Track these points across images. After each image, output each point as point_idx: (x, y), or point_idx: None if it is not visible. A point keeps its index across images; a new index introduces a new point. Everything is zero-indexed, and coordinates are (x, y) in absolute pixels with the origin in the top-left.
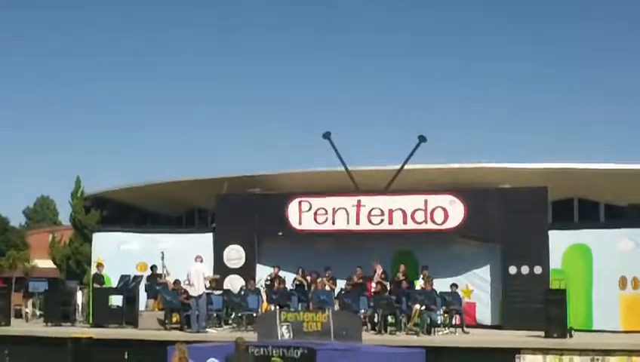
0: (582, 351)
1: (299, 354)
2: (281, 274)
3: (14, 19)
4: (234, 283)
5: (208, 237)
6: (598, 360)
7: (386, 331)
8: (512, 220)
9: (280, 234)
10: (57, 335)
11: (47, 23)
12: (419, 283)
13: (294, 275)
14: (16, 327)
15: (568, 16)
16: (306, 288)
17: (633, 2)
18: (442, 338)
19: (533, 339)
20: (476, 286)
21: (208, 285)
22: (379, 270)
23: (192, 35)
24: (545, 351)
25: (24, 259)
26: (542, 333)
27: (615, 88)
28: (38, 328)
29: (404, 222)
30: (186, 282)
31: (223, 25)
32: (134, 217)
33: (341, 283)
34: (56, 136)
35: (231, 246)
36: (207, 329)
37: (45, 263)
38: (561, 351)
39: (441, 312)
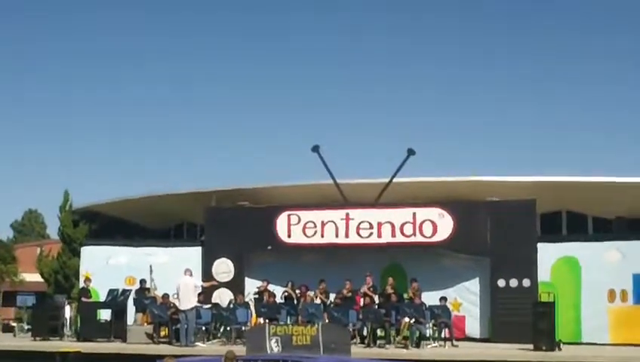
0: None
1: None
2: (270, 287)
3: (8, 28)
4: (223, 296)
5: (197, 251)
6: None
7: (375, 344)
8: (501, 233)
9: (269, 247)
10: (45, 349)
11: (40, 30)
12: (407, 296)
13: (283, 288)
14: (4, 342)
15: (562, 30)
16: (295, 301)
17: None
18: (431, 351)
19: (521, 352)
20: (465, 299)
21: (197, 299)
22: (368, 282)
23: (186, 45)
24: None
25: (12, 273)
26: (531, 346)
27: (605, 102)
28: (26, 342)
29: (393, 235)
30: (175, 296)
31: (214, 37)
32: (123, 231)
33: (331, 297)
34: (45, 150)
35: (220, 260)
36: (196, 343)
37: (33, 277)
38: None
39: (430, 325)
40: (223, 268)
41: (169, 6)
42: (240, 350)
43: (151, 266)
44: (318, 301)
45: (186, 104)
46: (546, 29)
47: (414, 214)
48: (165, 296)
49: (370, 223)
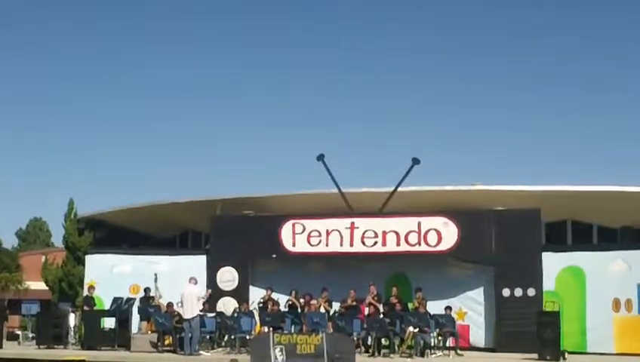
0: None
1: None
2: (275, 296)
3: (13, 37)
4: (227, 305)
5: (202, 259)
6: None
7: (379, 353)
8: (506, 242)
9: (273, 256)
10: (50, 357)
11: (41, 42)
12: (412, 305)
13: (287, 297)
14: (9, 350)
15: (565, 42)
16: (299, 310)
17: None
18: (436, 360)
19: None
20: (470, 308)
21: (201, 307)
22: (372, 292)
23: (188, 52)
24: None
25: (16, 281)
26: (535, 356)
27: (610, 110)
28: (31, 350)
29: (398, 244)
30: (180, 304)
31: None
32: (128, 239)
33: (335, 306)
34: (49, 158)
35: (224, 268)
36: (200, 352)
37: (38, 285)
38: None
39: (435, 335)
40: (228, 277)
41: (168, 11)
42: (244, 359)
43: (155, 274)
44: (322, 310)
45: (190, 112)
46: (547, 32)
47: (419, 223)
48: (169, 305)
49: (375, 232)
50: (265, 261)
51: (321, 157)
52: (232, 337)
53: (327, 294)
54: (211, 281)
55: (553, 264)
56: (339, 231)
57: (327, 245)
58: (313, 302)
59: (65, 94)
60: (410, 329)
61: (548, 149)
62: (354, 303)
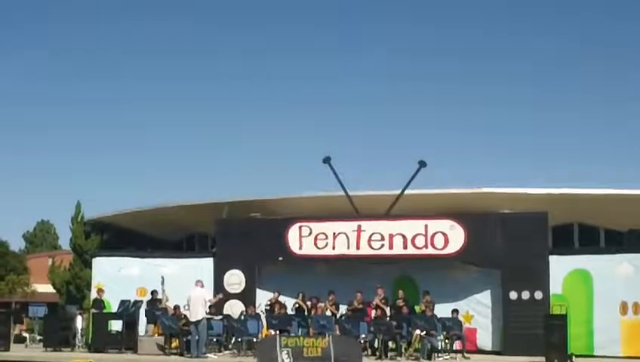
0: None
1: None
2: (281, 299)
3: (14, 40)
4: (234, 308)
5: (208, 262)
6: None
7: (386, 356)
8: (513, 245)
9: (280, 259)
10: (57, 360)
11: (46, 43)
12: (419, 308)
13: (294, 300)
14: (16, 352)
15: (568, 41)
16: (306, 313)
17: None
18: None
19: None
20: (477, 311)
21: (208, 310)
22: (380, 294)
23: (190, 58)
24: None
25: (23, 284)
26: (542, 359)
27: (616, 112)
28: (38, 353)
29: (405, 247)
30: (186, 307)
31: (223, 48)
32: (134, 242)
33: (342, 309)
34: (57, 161)
35: (231, 271)
36: (207, 355)
37: (45, 288)
38: None
39: (442, 338)
40: (234, 280)
41: (172, 14)
42: (251, 361)
43: (162, 277)
44: (329, 312)
45: (197, 116)
46: (555, 37)
47: (426, 226)
48: (176, 307)
49: (381, 235)
50: (272, 264)
51: (327, 160)
52: (239, 340)
53: (334, 297)
54: (218, 284)
55: (560, 267)
56: (345, 234)
57: (333, 248)
58: (320, 304)
59: (68, 95)
60: (417, 332)
61: (554, 151)
62: (361, 306)
